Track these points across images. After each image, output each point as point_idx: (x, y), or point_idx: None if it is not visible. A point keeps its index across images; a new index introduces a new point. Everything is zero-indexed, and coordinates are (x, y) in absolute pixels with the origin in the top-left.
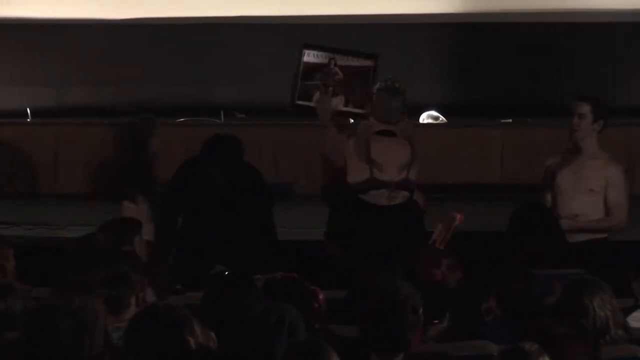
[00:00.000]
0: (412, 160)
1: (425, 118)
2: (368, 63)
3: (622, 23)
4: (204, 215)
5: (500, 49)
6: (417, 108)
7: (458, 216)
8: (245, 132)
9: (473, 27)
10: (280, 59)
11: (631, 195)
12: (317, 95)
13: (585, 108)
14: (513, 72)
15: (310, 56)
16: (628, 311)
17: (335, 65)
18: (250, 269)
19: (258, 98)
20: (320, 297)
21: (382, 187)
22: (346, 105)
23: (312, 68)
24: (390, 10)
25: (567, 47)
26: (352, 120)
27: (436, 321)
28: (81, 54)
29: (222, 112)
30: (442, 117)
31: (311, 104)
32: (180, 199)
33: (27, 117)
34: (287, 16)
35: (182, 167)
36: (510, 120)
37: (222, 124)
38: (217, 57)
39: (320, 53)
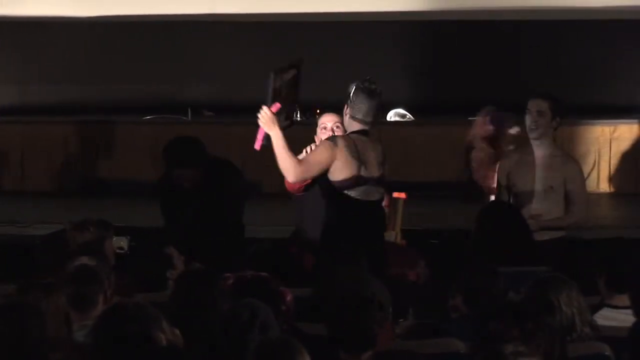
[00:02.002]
0: (384, 158)
1: (392, 116)
2: (294, 71)
3: (590, 21)
4: (174, 218)
5: (468, 46)
6: (385, 106)
7: (402, 195)
8: (213, 130)
9: (440, 25)
10: (249, 57)
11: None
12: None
13: (544, 105)
14: (482, 70)
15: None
16: (595, 309)
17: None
18: (222, 267)
19: (226, 96)
20: (288, 298)
21: (367, 183)
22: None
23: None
24: (358, 8)
25: (536, 44)
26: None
27: (401, 320)
28: (46, 51)
29: (189, 110)
30: (409, 115)
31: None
32: (162, 205)
33: None
34: (255, 14)
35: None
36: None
37: (189, 122)
38: (184, 55)
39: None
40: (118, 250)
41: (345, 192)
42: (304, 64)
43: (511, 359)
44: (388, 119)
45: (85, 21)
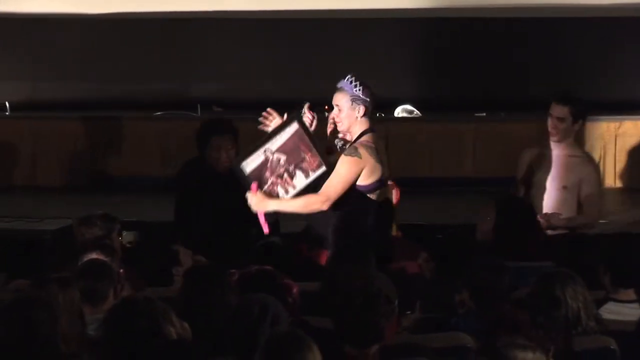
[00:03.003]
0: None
1: (399, 112)
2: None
3: (595, 18)
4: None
5: (474, 43)
6: (392, 102)
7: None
8: None
9: (447, 22)
10: (258, 54)
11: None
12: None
13: (564, 111)
14: (487, 67)
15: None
16: (600, 303)
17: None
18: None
19: (235, 92)
20: (294, 290)
21: (385, 184)
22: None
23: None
24: (365, 5)
25: (543, 42)
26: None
27: (408, 312)
28: (57, 48)
29: (198, 107)
30: (416, 111)
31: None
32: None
33: (6, 111)
34: (264, 11)
35: (185, 166)
36: (484, 114)
37: (198, 118)
38: (194, 51)
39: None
40: (127, 245)
41: (368, 194)
42: (302, 108)
43: (511, 350)
44: (395, 115)
45: (95, 18)
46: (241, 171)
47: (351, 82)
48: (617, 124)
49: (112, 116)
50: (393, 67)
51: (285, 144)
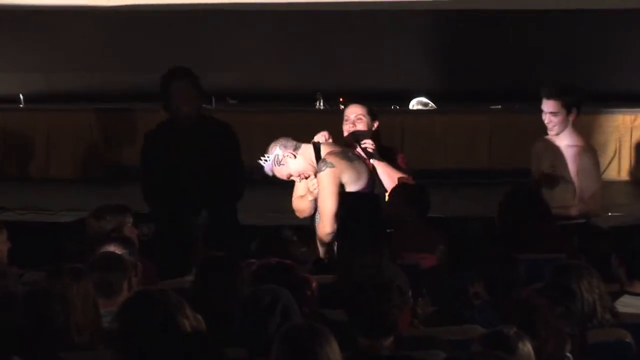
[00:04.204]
0: None
1: (414, 104)
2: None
3: (605, 10)
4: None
5: (489, 35)
6: (407, 94)
7: None
8: (237, 118)
9: (463, 14)
10: (273, 46)
11: None
12: None
13: (556, 105)
14: (502, 59)
15: None
16: (615, 296)
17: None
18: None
19: (250, 84)
20: (313, 284)
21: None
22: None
23: None
24: None
25: (556, 34)
26: None
27: (420, 298)
28: (70, 40)
29: (213, 98)
30: (431, 104)
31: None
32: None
33: (20, 103)
34: (277, 3)
35: (145, 138)
36: (500, 107)
37: (213, 110)
38: (208, 42)
39: None
40: (142, 238)
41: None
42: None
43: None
44: (410, 107)
45: (109, 10)
46: None
47: (267, 161)
48: (633, 116)
49: (125, 108)
50: (408, 60)
51: None
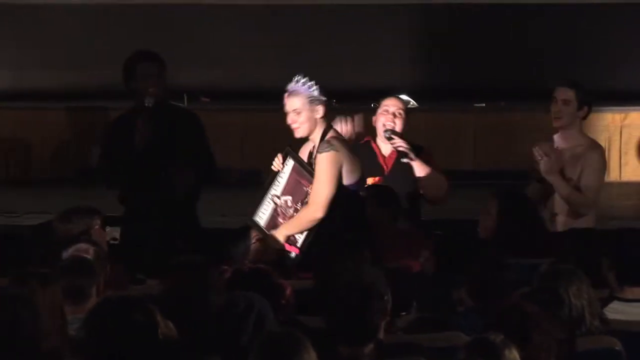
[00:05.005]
0: None
1: None
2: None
3: (599, 4)
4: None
5: (473, 32)
6: (388, 92)
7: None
8: (210, 116)
9: (445, 9)
10: (247, 43)
11: None
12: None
13: (570, 94)
14: (486, 56)
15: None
16: (605, 302)
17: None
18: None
19: (223, 82)
20: (288, 291)
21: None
22: None
23: None
24: None
25: (542, 30)
26: None
27: (404, 313)
28: (39, 36)
29: (185, 96)
30: (413, 102)
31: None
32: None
33: None
34: None
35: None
36: (484, 105)
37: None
38: (180, 40)
39: None
40: (112, 241)
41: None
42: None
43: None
44: None
45: (82, 5)
46: (257, 225)
47: (304, 84)
48: (623, 115)
49: (97, 106)
50: (388, 55)
51: (287, 184)
